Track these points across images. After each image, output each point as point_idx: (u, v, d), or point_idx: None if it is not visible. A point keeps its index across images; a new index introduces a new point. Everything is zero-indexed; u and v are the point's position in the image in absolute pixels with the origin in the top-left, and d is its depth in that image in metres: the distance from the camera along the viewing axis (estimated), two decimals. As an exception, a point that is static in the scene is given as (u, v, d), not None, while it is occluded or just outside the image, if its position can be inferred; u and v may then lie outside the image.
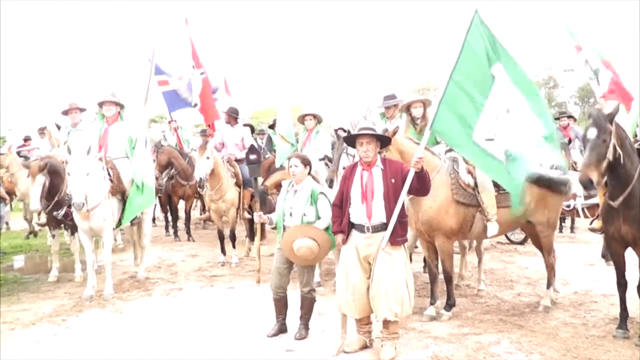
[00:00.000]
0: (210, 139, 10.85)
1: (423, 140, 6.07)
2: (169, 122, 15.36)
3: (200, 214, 16.50)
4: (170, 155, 13.44)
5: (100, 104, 9.34)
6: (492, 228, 7.12)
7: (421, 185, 5.71)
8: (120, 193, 8.80)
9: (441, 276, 7.49)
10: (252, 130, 14.38)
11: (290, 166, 6.48)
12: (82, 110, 10.49)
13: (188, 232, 13.74)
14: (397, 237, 5.67)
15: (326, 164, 9.54)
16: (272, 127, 15.08)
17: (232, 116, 11.68)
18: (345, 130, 14.32)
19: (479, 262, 8.88)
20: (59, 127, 11.92)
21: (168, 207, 14.29)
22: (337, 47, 60.76)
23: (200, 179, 10.24)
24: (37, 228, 13.83)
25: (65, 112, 10.43)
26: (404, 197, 5.69)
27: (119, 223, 8.97)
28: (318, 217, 6.33)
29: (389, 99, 9.59)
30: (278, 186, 11.12)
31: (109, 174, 8.63)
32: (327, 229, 6.32)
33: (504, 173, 6.11)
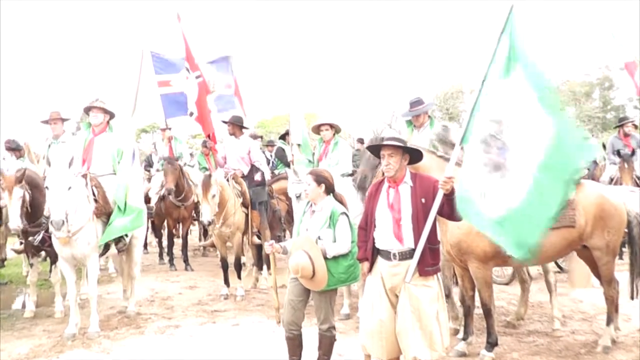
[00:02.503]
0: (214, 172, 10.64)
1: (452, 157, 5.89)
2: (163, 130, 15.36)
3: (200, 239, 16.51)
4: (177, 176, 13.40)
5: (87, 110, 9.32)
6: None
7: (452, 210, 5.59)
8: (105, 215, 8.77)
9: (480, 310, 7.47)
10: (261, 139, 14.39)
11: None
12: (64, 120, 10.54)
13: (185, 260, 13.72)
14: (427, 267, 5.59)
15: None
16: (283, 137, 15.13)
17: (237, 125, 11.61)
18: (363, 142, 14.38)
19: (550, 294, 8.87)
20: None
21: (162, 232, 14.31)
22: (359, 47, 60.76)
23: (209, 222, 10.20)
24: (10, 255, 13.87)
25: (46, 122, 10.48)
26: (431, 221, 5.60)
27: (105, 250, 8.96)
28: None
29: (415, 105, 9.54)
30: (288, 195, 11.10)
31: (93, 193, 8.63)
32: (346, 256, 6.31)
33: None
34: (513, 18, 5.84)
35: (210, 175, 10.26)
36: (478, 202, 5.67)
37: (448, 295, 8.32)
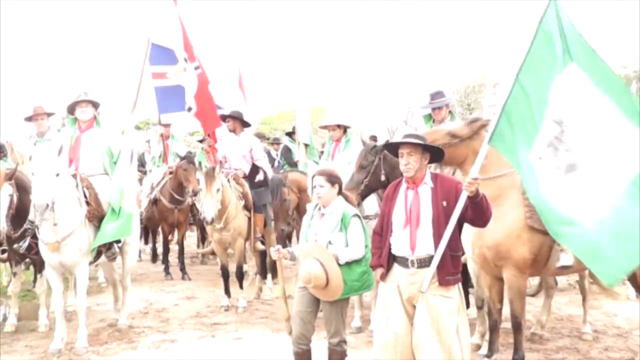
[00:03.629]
0: (218, 165, 10.51)
1: (479, 157, 5.88)
2: (166, 126, 15.34)
3: (198, 246, 16.49)
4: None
5: (72, 107, 9.24)
6: (566, 258, 7.00)
7: (476, 215, 5.54)
8: (98, 219, 8.72)
9: (508, 324, 7.45)
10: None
11: (315, 186, 6.45)
12: (49, 115, 10.50)
13: (182, 269, 13.69)
14: (448, 275, 5.56)
15: None
16: (290, 134, 15.13)
17: (238, 121, 11.55)
18: (376, 140, 14.37)
19: (584, 300, 9.01)
20: None
21: (158, 237, 14.29)
22: (374, 39, 60.72)
23: (212, 219, 10.06)
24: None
25: (29, 119, 10.46)
26: (453, 226, 5.54)
27: (97, 257, 8.92)
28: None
29: (437, 97, 9.56)
30: (301, 190, 10.98)
31: (84, 195, 8.59)
32: (360, 262, 6.29)
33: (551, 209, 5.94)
34: (560, 9, 5.84)
35: (214, 168, 10.16)
36: (562, 211, 5.72)
37: (480, 307, 8.32)
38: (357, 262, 6.29)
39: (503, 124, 5.79)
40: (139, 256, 14.50)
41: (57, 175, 7.77)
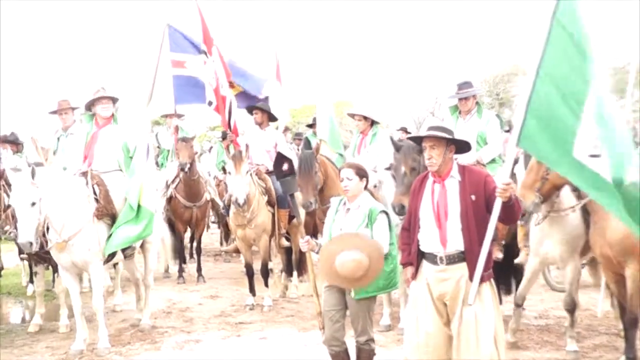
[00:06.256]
0: (244, 148, 10.41)
1: (507, 162, 5.72)
2: (169, 116, 15.26)
3: (221, 244, 16.46)
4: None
5: (90, 103, 9.28)
6: None
7: (508, 215, 5.51)
8: (109, 216, 8.68)
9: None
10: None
11: (342, 179, 6.41)
12: (74, 109, 10.53)
13: (198, 269, 13.43)
14: (482, 272, 5.47)
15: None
16: (311, 126, 15.08)
17: (267, 114, 11.48)
18: (407, 132, 14.29)
19: None
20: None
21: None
22: (399, 28, 60.18)
23: (244, 201, 10.00)
24: (7, 265, 13.79)
25: (54, 113, 10.48)
26: (493, 228, 5.42)
27: (111, 256, 8.85)
28: None
29: (464, 87, 9.45)
30: (327, 175, 10.59)
31: (94, 192, 8.58)
32: (385, 260, 6.19)
33: (618, 200, 5.72)
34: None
35: (240, 151, 10.15)
36: None
37: (519, 305, 8.20)
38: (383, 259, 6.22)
39: (530, 124, 5.56)
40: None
41: (33, 204, 7.69)
